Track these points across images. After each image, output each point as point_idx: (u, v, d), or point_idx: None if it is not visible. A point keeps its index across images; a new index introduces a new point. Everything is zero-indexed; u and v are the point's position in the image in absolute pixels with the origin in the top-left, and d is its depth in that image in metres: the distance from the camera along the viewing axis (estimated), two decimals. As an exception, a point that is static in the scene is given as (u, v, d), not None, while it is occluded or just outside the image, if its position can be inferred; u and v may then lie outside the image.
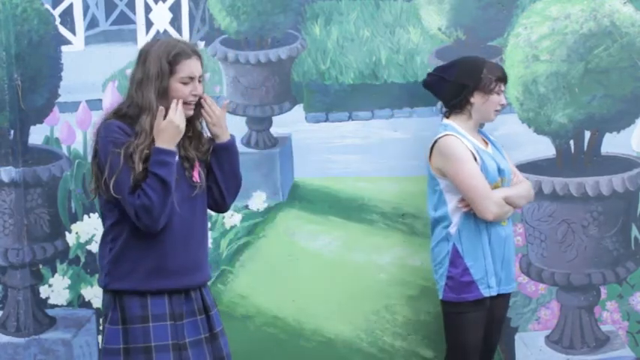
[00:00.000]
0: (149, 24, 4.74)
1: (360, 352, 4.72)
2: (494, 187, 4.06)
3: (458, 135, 4.06)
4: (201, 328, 3.57)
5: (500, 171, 4.10)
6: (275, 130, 4.72)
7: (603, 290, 4.66)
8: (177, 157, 3.49)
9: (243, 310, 4.73)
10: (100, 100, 4.72)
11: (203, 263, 3.60)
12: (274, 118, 4.72)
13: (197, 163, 3.57)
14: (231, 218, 4.72)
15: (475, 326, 4.07)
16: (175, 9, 4.73)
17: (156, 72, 3.45)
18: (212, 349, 3.58)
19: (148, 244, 3.45)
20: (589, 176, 4.61)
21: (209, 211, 3.67)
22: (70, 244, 4.78)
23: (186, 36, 4.69)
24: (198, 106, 3.54)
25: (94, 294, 4.75)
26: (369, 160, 4.68)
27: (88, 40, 4.77)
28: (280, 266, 4.71)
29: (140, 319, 3.47)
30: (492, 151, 4.15)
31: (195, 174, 3.55)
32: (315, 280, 4.70)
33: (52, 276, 4.80)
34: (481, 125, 4.25)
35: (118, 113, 3.50)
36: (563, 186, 4.61)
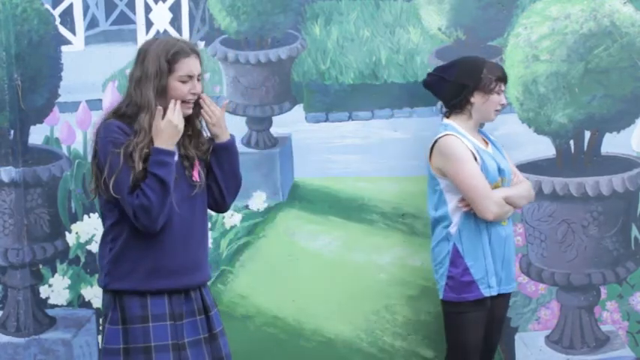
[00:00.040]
0: (149, 24, 4.74)
1: (360, 352, 4.71)
2: (495, 187, 4.06)
3: (458, 135, 4.06)
4: (200, 328, 3.57)
5: (500, 171, 4.10)
6: (275, 130, 4.72)
7: (603, 290, 4.66)
8: (176, 157, 3.49)
9: (243, 310, 4.73)
10: (100, 100, 4.72)
11: (203, 263, 3.60)
12: (274, 118, 4.72)
13: (197, 163, 3.57)
14: (231, 218, 4.72)
15: (475, 326, 4.07)
16: (175, 9, 4.73)
17: (155, 70, 3.45)
18: (211, 350, 3.58)
19: (147, 244, 3.45)
20: (589, 176, 4.61)
21: (209, 211, 3.67)
22: (70, 244, 4.78)
23: (186, 36, 4.68)
24: (198, 104, 3.54)
25: (94, 294, 4.75)
26: (369, 160, 4.68)
27: (88, 40, 4.78)
28: (280, 266, 4.71)
29: (140, 319, 3.47)
30: (492, 151, 4.15)
31: (195, 173, 3.55)
32: (315, 280, 4.70)
33: (52, 276, 4.80)
34: (481, 125, 4.25)
35: (117, 113, 3.51)
36: (563, 186, 4.61)
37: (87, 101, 4.74)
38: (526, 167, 4.57)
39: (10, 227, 4.77)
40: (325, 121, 4.69)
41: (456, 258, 4.05)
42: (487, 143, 4.18)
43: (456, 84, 4.09)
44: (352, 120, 4.68)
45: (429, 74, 4.24)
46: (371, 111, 4.68)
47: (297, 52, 4.69)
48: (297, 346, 4.72)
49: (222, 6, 4.70)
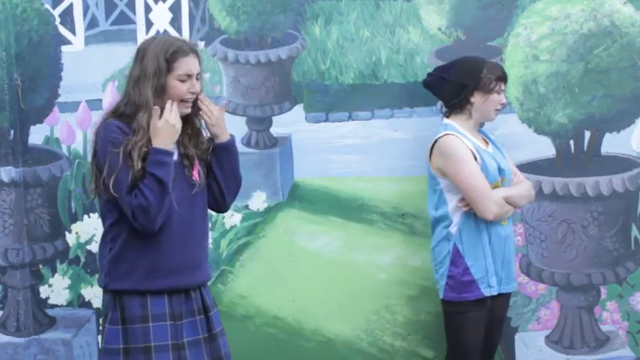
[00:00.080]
0: (149, 24, 4.74)
1: (360, 352, 4.71)
2: (495, 187, 4.06)
3: (458, 134, 4.06)
4: (199, 328, 3.57)
5: (500, 170, 4.10)
6: (275, 130, 4.72)
7: (603, 290, 4.66)
8: (176, 156, 3.49)
9: (243, 310, 4.73)
10: (100, 100, 4.72)
11: (203, 262, 3.60)
12: (274, 118, 4.72)
13: (197, 162, 3.57)
14: (231, 218, 4.72)
15: (476, 326, 4.07)
16: (175, 9, 4.73)
17: (153, 69, 3.45)
18: (210, 350, 3.58)
19: (146, 244, 3.45)
20: (589, 176, 4.61)
21: (209, 211, 3.67)
22: (70, 244, 4.78)
23: (186, 36, 4.68)
24: (197, 103, 3.54)
25: (94, 294, 4.74)
26: (369, 160, 4.68)
27: (88, 40, 4.78)
28: (280, 266, 4.71)
29: (140, 319, 3.47)
30: (493, 151, 4.15)
31: (195, 173, 3.55)
32: (315, 280, 4.70)
33: (52, 276, 4.79)
34: (481, 125, 4.25)
35: (116, 112, 3.51)
36: (563, 186, 4.61)
37: (87, 101, 4.74)
38: (526, 167, 4.57)
39: (10, 227, 4.77)
40: (325, 121, 4.69)
41: (457, 258, 4.05)
42: (487, 143, 4.18)
43: (456, 84, 4.09)
44: (352, 120, 4.68)
45: (428, 74, 4.24)
46: (371, 111, 4.68)
47: (297, 52, 4.69)
48: (297, 346, 4.72)
49: (222, 6, 4.70)
